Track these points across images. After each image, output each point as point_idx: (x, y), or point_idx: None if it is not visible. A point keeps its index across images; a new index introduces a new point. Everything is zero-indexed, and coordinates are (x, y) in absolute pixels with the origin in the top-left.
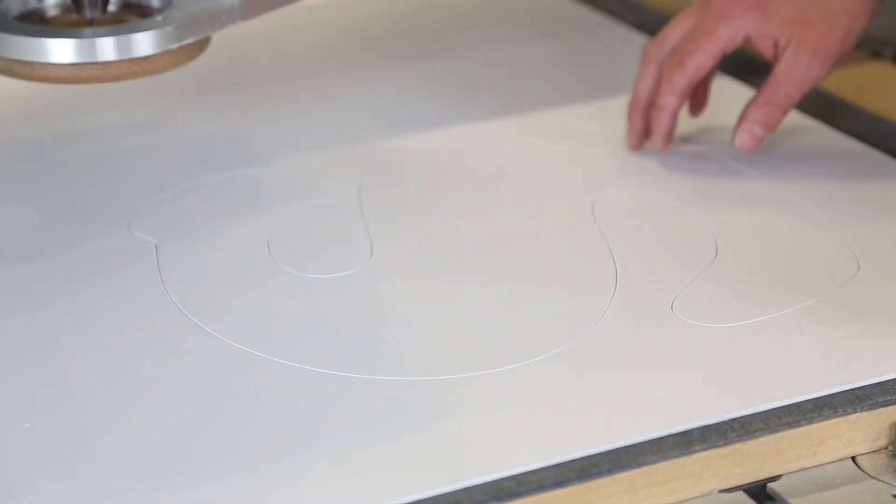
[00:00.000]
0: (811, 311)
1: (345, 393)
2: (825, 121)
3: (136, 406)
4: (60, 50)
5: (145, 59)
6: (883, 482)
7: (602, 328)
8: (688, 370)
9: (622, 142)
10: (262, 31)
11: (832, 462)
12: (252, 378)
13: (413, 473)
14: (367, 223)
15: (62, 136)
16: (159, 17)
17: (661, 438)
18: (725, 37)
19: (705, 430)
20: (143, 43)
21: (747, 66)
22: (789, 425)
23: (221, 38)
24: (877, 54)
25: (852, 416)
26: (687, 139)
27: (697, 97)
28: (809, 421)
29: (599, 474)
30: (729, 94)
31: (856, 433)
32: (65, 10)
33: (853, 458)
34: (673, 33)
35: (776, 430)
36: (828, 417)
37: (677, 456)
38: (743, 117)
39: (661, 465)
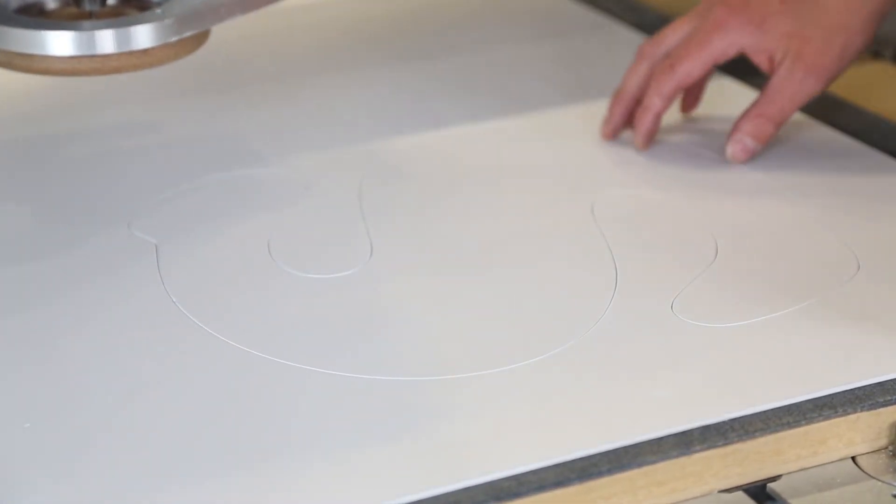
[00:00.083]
0: (811, 311)
1: (345, 393)
2: (825, 120)
3: (136, 406)
4: (60, 42)
5: (144, 51)
6: (883, 482)
7: (602, 328)
8: (688, 370)
9: (622, 142)
10: (263, 30)
11: (832, 462)
12: (252, 378)
13: (413, 473)
14: (367, 223)
15: (62, 135)
16: (158, 10)
17: (661, 438)
18: (719, 48)
19: (705, 430)
20: (143, 36)
21: (747, 66)
22: (789, 425)
23: (222, 38)
24: (877, 54)
25: (852, 416)
26: (687, 139)
27: (690, 97)
28: (809, 421)
29: (599, 474)
30: (729, 94)
31: (856, 433)
32: (64, 2)
33: (853, 458)
34: (671, 35)
35: (776, 430)
36: (828, 417)
37: (677, 456)
38: (735, 129)
39: (661, 465)
